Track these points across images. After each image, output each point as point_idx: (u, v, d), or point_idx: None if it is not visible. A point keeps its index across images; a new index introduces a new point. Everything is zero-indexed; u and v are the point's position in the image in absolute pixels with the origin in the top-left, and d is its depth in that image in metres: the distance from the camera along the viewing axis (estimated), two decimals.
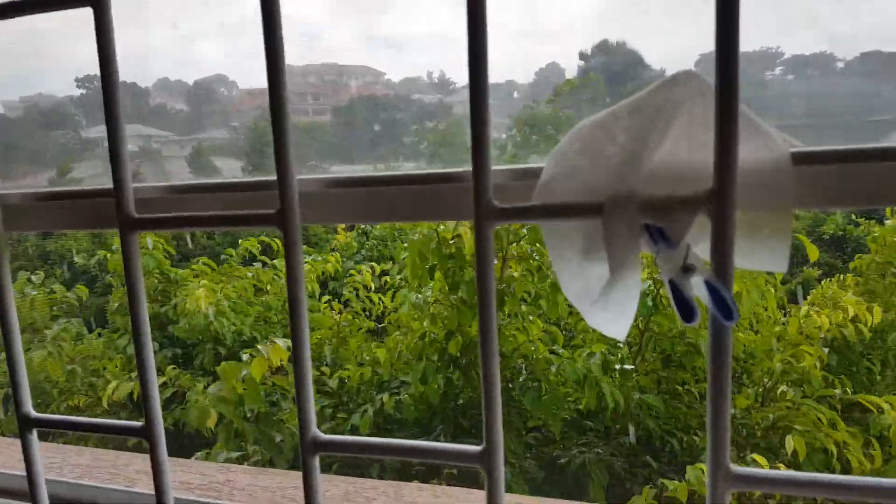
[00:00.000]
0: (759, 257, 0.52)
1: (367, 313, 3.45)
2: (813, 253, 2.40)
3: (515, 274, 2.53)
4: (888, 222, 2.88)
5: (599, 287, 0.55)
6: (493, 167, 0.56)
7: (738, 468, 0.52)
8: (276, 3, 0.57)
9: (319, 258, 3.52)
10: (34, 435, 0.74)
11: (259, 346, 2.48)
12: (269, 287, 3.56)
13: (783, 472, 0.52)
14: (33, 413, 0.72)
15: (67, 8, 0.63)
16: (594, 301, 0.56)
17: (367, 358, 3.03)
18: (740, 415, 2.54)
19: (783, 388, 2.47)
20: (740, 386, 2.81)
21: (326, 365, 3.10)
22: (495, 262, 2.50)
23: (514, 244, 2.61)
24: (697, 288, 0.50)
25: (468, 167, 0.56)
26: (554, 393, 2.50)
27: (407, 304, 2.77)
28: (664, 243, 0.50)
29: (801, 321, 2.59)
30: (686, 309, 0.48)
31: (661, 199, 0.50)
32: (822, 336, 2.64)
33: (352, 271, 3.50)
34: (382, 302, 3.38)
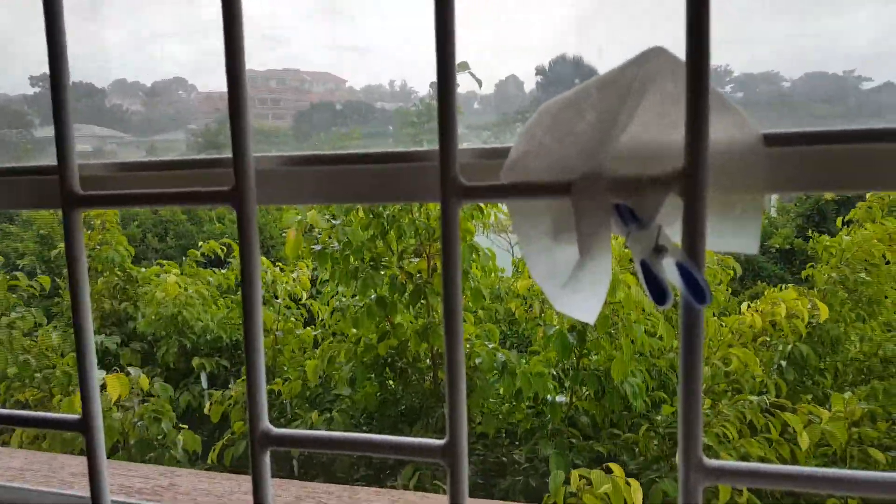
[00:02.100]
0: (729, 239, 0.51)
1: (306, 319, 3.31)
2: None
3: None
4: (839, 235, 2.96)
5: (568, 269, 0.53)
6: (461, 146, 0.54)
7: (711, 461, 0.50)
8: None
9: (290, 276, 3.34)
10: None
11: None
12: (237, 289, 3.47)
13: (759, 465, 0.50)
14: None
15: None
16: (563, 284, 0.54)
17: (303, 366, 2.89)
18: (663, 422, 2.52)
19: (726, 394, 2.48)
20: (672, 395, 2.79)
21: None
22: (419, 259, 2.42)
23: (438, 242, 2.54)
24: (669, 270, 0.49)
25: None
26: (483, 386, 2.40)
27: (329, 308, 2.66)
28: (635, 224, 0.49)
29: (735, 322, 2.58)
30: (658, 291, 0.47)
31: (631, 178, 0.49)
32: (777, 347, 2.68)
33: (284, 277, 3.32)
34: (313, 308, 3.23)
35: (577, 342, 2.55)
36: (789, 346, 2.61)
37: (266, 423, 0.60)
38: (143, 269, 3.37)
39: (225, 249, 3.46)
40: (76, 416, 0.64)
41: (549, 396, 2.65)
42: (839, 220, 3.09)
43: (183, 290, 3.16)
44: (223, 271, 3.59)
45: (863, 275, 2.87)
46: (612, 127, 0.49)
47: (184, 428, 2.57)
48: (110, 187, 0.64)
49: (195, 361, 3.13)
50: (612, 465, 1.94)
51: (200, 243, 3.52)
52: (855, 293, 2.90)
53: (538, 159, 0.52)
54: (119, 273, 3.28)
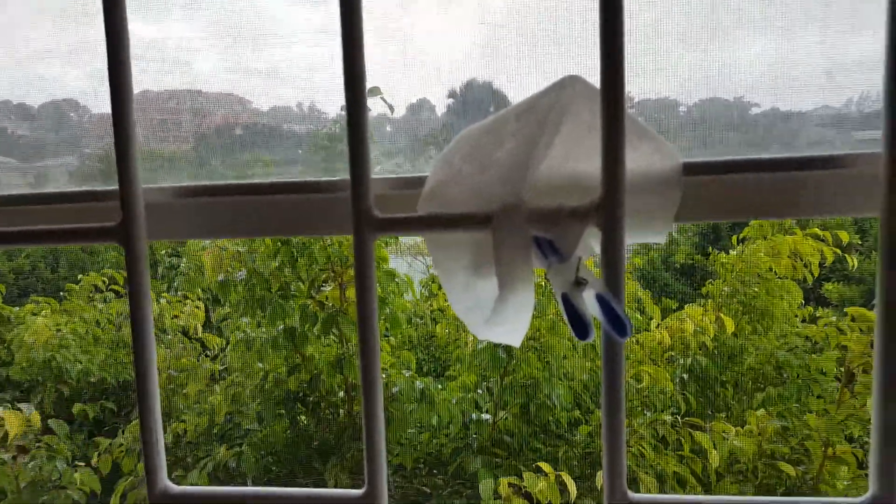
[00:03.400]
0: (638, 236, 0.51)
1: (208, 353, 3.12)
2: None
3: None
4: (732, 252, 3.13)
5: (490, 302, 0.51)
6: (373, 175, 0.51)
7: (635, 496, 0.49)
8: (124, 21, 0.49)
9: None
10: None
11: None
12: (123, 323, 3.22)
13: (680, 496, 0.50)
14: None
15: None
16: (486, 319, 0.52)
17: (207, 406, 2.73)
18: (583, 442, 2.57)
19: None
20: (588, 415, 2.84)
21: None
22: (331, 287, 2.35)
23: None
24: (589, 303, 0.48)
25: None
26: (401, 417, 2.35)
27: (233, 341, 2.54)
28: (555, 257, 0.48)
29: (647, 339, 2.68)
30: (580, 325, 0.46)
31: (550, 210, 0.48)
32: (678, 360, 2.79)
33: (175, 312, 3.11)
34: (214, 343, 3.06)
35: (507, 357, 2.55)
36: (689, 360, 2.72)
37: (165, 482, 0.54)
38: (16, 308, 3.08)
39: (107, 281, 3.21)
40: None
41: (473, 415, 2.63)
42: (734, 238, 3.27)
43: (54, 333, 2.89)
44: (117, 298, 3.31)
45: (755, 288, 3.05)
46: (532, 155, 0.48)
47: (80, 466, 2.36)
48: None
49: (77, 408, 2.88)
50: (542, 465, 1.94)
51: (80, 276, 3.25)
52: (748, 306, 3.08)
53: (457, 188, 0.50)
54: None
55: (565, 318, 0.47)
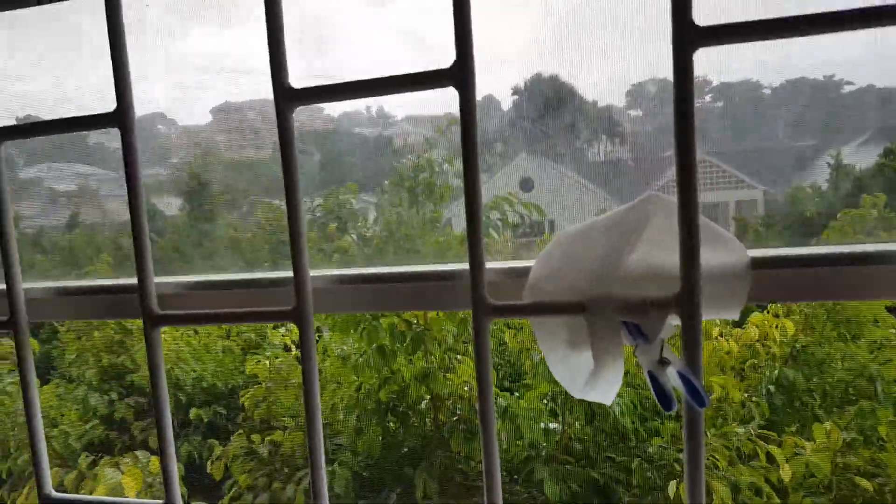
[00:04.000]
0: (714, 315, 0.62)
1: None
2: None
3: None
4: None
5: (585, 373, 0.63)
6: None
7: None
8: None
9: None
10: None
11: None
12: (232, 333, 3.52)
13: None
14: (54, 494, 0.75)
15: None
16: (582, 385, 0.63)
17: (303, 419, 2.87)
18: (656, 453, 2.61)
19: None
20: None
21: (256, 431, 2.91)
22: None
23: None
24: (672, 377, 0.58)
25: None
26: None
27: (331, 356, 2.71)
28: (641, 339, 0.59)
29: (711, 348, 2.69)
30: (664, 398, 0.57)
31: (635, 301, 0.59)
32: (765, 372, 2.79)
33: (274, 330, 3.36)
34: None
35: None
36: (776, 371, 2.71)
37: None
38: (138, 321, 3.39)
39: None
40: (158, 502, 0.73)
41: (542, 424, 2.73)
42: (825, 233, 3.22)
43: (172, 346, 3.20)
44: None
45: None
46: (618, 259, 0.59)
47: None
48: (183, 306, 0.73)
49: (193, 413, 3.18)
50: None
51: None
52: (832, 311, 3.02)
53: (554, 283, 0.62)
54: (115, 326, 3.33)
55: (652, 392, 0.58)
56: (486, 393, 0.63)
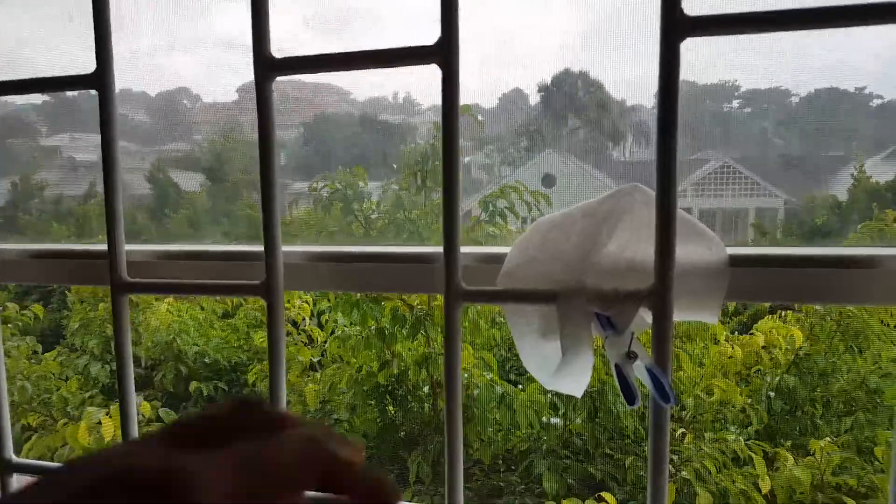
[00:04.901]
0: (691, 316, 0.59)
1: (308, 344, 3.36)
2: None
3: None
4: None
5: (555, 362, 0.61)
6: (462, 249, 0.62)
7: None
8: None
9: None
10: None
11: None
12: (236, 311, 3.55)
13: None
14: (15, 459, 0.75)
15: None
16: (551, 374, 0.62)
17: (303, 394, 2.93)
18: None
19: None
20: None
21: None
22: None
23: None
24: (640, 372, 0.57)
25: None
26: (481, 417, 2.47)
27: (334, 337, 2.72)
28: (611, 330, 0.57)
29: (717, 354, 2.66)
30: (628, 392, 0.55)
31: (608, 291, 0.57)
32: (766, 377, 2.76)
33: (287, 304, 3.36)
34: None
35: None
36: (777, 378, 2.68)
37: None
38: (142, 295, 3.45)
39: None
40: None
41: (544, 419, 2.73)
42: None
43: (176, 317, 3.23)
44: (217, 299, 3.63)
45: (851, 307, 2.95)
46: (592, 247, 0.58)
47: None
48: (150, 271, 0.72)
49: (192, 386, 3.21)
50: (605, 495, 2.02)
51: None
52: (842, 325, 2.98)
53: (529, 270, 0.60)
54: None
55: (617, 383, 0.56)
56: (453, 374, 0.62)
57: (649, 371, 0.56)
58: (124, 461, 0.23)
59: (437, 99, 0.60)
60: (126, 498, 0.21)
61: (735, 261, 0.58)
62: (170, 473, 0.22)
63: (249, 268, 0.69)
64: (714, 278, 0.57)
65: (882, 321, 2.89)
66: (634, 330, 0.57)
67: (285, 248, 0.66)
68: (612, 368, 0.57)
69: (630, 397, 0.55)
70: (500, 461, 2.92)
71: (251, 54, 0.64)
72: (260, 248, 0.66)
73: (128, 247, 0.70)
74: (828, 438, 2.27)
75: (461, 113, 0.71)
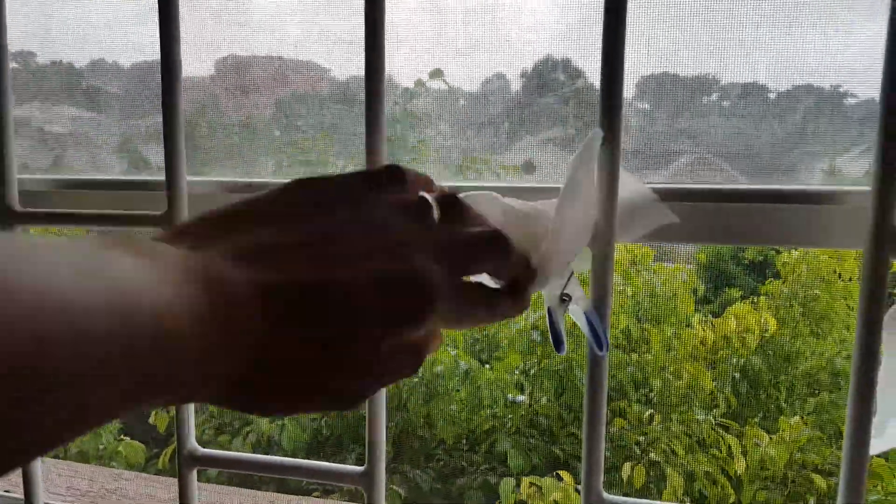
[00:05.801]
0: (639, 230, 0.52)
1: None
2: None
3: None
4: (795, 253, 3.03)
5: None
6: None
7: (609, 496, 0.53)
8: None
9: None
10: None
11: None
12: None
13: (650, 501, 0.53)
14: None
15: None
16: None
17: None
18: (617, 435, 2.58)
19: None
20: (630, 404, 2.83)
21: None
22: None
23: None
24: (577, 316, 0.51)
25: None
26: (444, 393, 2.42)
27: None
28: None
29: (689, 336, 2.65)
30: (556, 338, 0.49)
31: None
32: (731, 360, 2.75)
33: None
34: None
35: (542, 341, 2.59)
36: (742, 360, 2.67)
37: (193, 443, 0.61)
38: None
39: None
40: None
41: (509, 396, 2.69)
42: None
43: None
44: None
45: (817, 291, 2.95)
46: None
47: (124, 440, 2.54)
48: (49, 202, 0.65)
49: None
50: (563, 473, 1.99)
51: None
52: (808, 308, 2.98)
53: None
54: None
55: (549, 328, 0.50)
56: None
57: (585, 316, 0.50)
58: None
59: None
60: None
61: (686, 194, 0.53)
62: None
63: (156, 198, 0.62)
64: (647, 207, 0.51)
65: (848, 305, 2.90)
66: (574, 270, 0.52)
67: (192, 178, 0.59)
68: (547, 312, 0.51)
69: (558, 344, 0.49)
70: (464, 442, 2.88)
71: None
72: (161, 177, 0.59)
73: (20, 175, 0.63)
74: (797, 417, 2.26)
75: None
